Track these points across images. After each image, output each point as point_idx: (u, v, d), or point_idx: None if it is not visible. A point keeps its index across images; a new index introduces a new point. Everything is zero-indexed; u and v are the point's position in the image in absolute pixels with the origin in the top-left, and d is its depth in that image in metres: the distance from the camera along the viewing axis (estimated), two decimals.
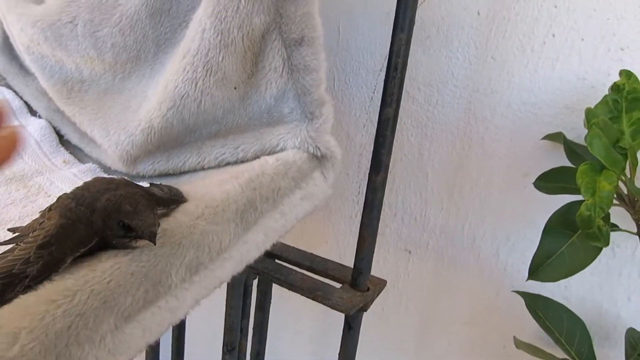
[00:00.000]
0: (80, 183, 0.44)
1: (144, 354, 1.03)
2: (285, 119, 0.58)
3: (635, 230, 0.61)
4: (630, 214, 0.61)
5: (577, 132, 0.68)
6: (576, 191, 0.56)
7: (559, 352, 0.68)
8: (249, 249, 0.49)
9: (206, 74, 0.55)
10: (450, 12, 0.75)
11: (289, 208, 0.54)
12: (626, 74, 0.59)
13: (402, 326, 0.95)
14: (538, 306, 0.70)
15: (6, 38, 0.77)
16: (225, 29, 0.52)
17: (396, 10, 0.57)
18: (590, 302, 0.74)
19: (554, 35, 0.68)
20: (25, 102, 0.78)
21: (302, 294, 0.69)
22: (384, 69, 0.60)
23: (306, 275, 0.71)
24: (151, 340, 0.40)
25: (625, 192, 0.60)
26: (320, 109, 0.56)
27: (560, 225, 0.61)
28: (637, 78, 0.59)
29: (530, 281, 0.63)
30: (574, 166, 0.60)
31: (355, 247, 0.68)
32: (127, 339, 0.38)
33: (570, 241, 0.60)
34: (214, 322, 0.90)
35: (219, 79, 0.55)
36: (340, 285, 0.70)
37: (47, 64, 0.70)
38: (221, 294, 0.77)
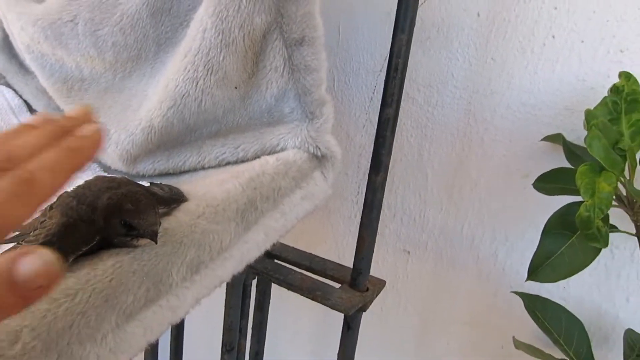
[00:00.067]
0: (80, 182, 0.44)
1: (142, 354, 1.03)
2: (286, 118, 0.58)
3: (634, 231, 0.62)
4: (629, 215, 0.61)
5: (577, 134, 0.69)
6: (575, 192, 0.56)
7: (557, 353, 0.68)
8: (250, 248, 0.49)
9: (207, 73, 0.55)
10: (451, 13, 0.75)
11: (290, 208, 0.54)
12: (625, 76, 0.60)
13: (401, 326, 0.95)
14: (537, 307, 0.70)
15: (6, 37, 0.77)
16: (227, 29, 0.53)
17: (397, 10, 0.57)
18: (588, 302, 0.75)
19: (553, 37, 0.68)
20: (25, 101, 0.78)
21: (301, 294, 0.69)
22: (384, 70, 0.61)
23: (305, 275, 0.71)
24: (152, 339, 0.40)
25: (625, 193, 0.60)
26: (321, 108, 0.56)
27: (560, 226, 0.61)
28: (636, 80, 0.59)
29: (529, 282, 0.63)
30: (573, 167, 0.60)
31: (355, 247, 0.68)
32: (129, 337, 0.38)
33: (569, 242, 0.60)
34: (213, 321, 0.90)
35: (220, 79, 0.55)
36: (340, 285, 0.70)
37: (47, 62, 0.70)
38: (220, 294, 0.78)
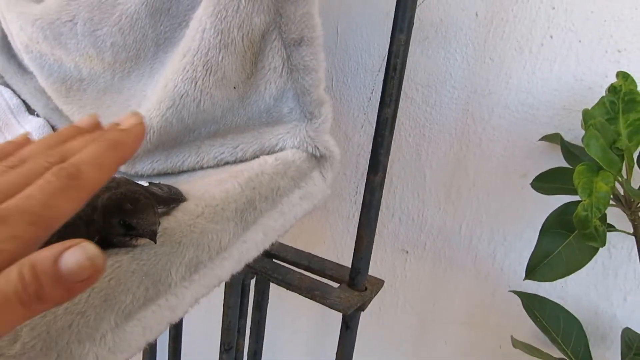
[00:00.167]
0: None
1: (141, 354, 1.03)
2: (285, 118, 0.58)
3: (631, 230, 0.62)
4: (627, 214, 0.61)
5: (575, 133, 0.69)
6: (573, 192, 0.56)
7: (555, 352, 0.68)
8: (248, 248, 0.49)
9: (206, 74, 0.55)
10: (449, 13, 0.75)
11: (288, 207, 0.54)
12: (623, 76, 0.60)
13: (400, 326, 0.95)
14: (535, 306, 0.70)
15: (4, 37, 0.77)
16: (225, 29, 0.53)
17: (395, 10, 0.58)
18: (586, 302, 0.75)
19: (551, 37, 0.68)
20: (24, 101, 0.78)
21: (299, 294, 0.69)
22: (383, 70, 0.61)
23: (304, 274, 0.71)
24: (151, 338, 0.40)
25: (622, 192, 0.61)
26: (320, 109, 0.57)
27: (557, 226, 0.61)
28: (633, 80, 0.60)
29: (527, 281, 0.64)
30: (571, 167, 0.60)
31: (353, 247, 0.68)
32: (128, 337, 0.38)
33: (567, 241, 0.61)
34: (212, 321, 0.90)
35: (219, 79, 0.55)
36: (338, 284, 0.71)
37: (45, 62, 0.70)
38: (219, 294, 0.78)
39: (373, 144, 0.63)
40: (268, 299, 0.83)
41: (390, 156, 0.64)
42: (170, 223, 0.43)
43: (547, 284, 0.75)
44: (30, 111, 0.78)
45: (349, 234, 0.95)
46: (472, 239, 0.82)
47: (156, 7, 0.61)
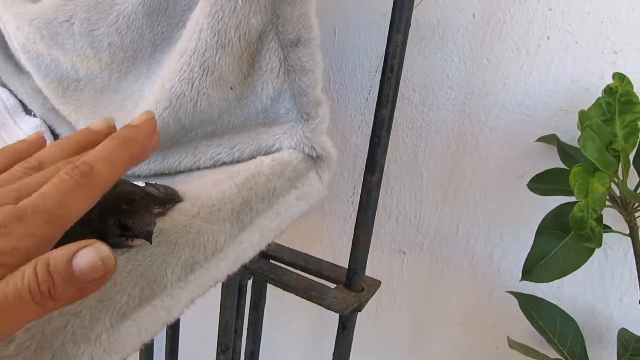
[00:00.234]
0: None
1: (137, 354, 1.03)
2: (281, 119, 0.58)
3: (627, 231, 0.62)
4: (623, 215, 0.61)
5: (571, 134, 0.69)
6: (570, 193, 0.56)
7: (552, 353, 0.68)
8: (245, 248, 0.49)
9: (203, 74, 0.55)
10: (446, 14, 0.75)
11: (285, 208, 0.54)
12: (619, 77, 0.60)
13: (397, 326, 0.95)
14: (531, 306, 0.70)
15: (1, 37, 0.77)
16: (222, 29, 0.53)
17: (392, 11, 0.58)
18: (582, 302, 0.75)
19: (548, 38, 0.69)
20: (20, 101, 0.78)
21: (296, 294, 0.69)
22: (380, 70, 0.61)
23: (301, 275, 0.71)
24: (146, 339, 0.40)
25: (618, 193, 0.61)
26: (316, 109, 0.57)
27: (554, 227, 0.62)
28: (630, 81, 0.60)
29: (523, 282, 0.64)
30: (567, 168, 0.61)
31: (350, 248, 0.68)
32: (123, 337, 0.38)
33: (563, 242, 0.61)
34: (208, 322, 0.90)
35: (216, 79, 0.55)
36: (335, 285, 0.71)
37: (42, 62, 0.70)
38: (215, 294, 0.78)
39: (370, 144, 0.63)
40: (265, 299, 0.83)
41: (387, 157, 0.64)
42: (166, 223, 0.43)
43: (543, 284, 0.76)
44: (27, 111, 0.78)
45: (346, 234, 0.95)
46: (469, 240, 0.82)
47: (153, 8, 0.61)
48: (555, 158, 0.65)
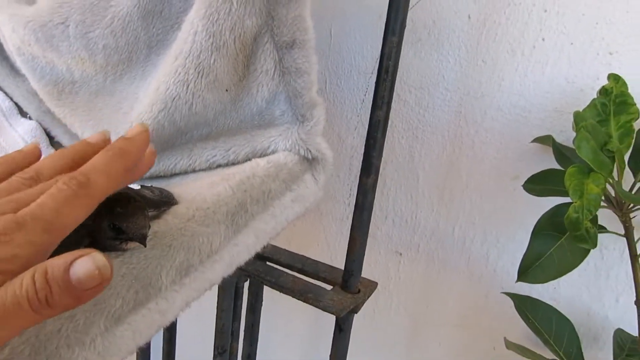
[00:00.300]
0: None
1: (134, 357, 1.03)
2: (277, 121, 0.58)
3: (623, 232, 0.62)
4: (618, 216, 0.61)
5: (567, 135, 0.69)
6: (565, 193, 0.56)
7: (548, 353, 0.69)
8: (240, 251, 0.49)
9: (198, 76, 0.55)
10: (442, 16, 0.75)
11: (280, 210, 0.54)
12: (614, 78, 0.60)
13: (393, 328, 0.95)
14: (527, 307, 0.70)
15: None
16: (217, 31, 0.52)
17: (387, 13, 0.58)
18: (578, 303, 0.75)
19: (543, 39, 0.69)
20: (16, 103, 0.78)
21: (292, 296, 0.69)
22: (376, 72, 0.61)
23: (297, 277, 0.71)
24: (141, 342, 0.40)
25: (613, 194, 0.61)
26: (312, 111, 0.56)
27: (549, 227, 0.62)
28: (624, 82, 0.60)
29: (520, 283, 0.64)
30: (562, 169, 0.61)
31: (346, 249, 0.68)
32: (117, 341, 0.38)
33: (558, 243, 0.61)
34: (205, 324, 0.90)
35: (211, 81, 0.55)
36: (332, 287, 0.71)
37: (38, 65, 0.70)
38: (212, 297, 0.78)
39: (365, 146, 0.63)
40: (262, 301, 0.82)
41: (383, 158, 0.64)
42: (161, 226, 0.43)
43: (539, 285, 0.76)
44: (23, 114, 0.78)
45: (343, 236, 0.95)
46: (465, 241, 0.82)
47: (148, 10, 0.61)
48: (550, 159, 0.66)
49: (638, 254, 0.62)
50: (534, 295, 0.73)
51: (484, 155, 0.77)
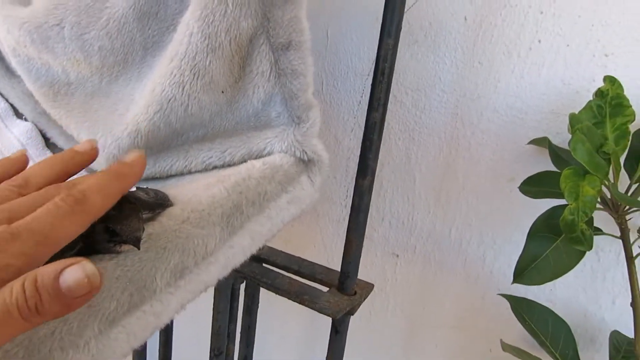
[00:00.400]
0: None
1: (130, 359, 1.03)
2: (273, 122, 0.58)
3: (618, 234, 0.62)
4: (614, 218, 0.61)
5: (563, 137, 0.69)
6: (561, 195, 0.56)
7: (544, 355, 0.69)
8: (235, 253, 0.49)
9: (193, 78, 0.54)
10: (438, 18, 0.75)
11: (276, 212, 0.54)
12: (610, 80, 0.60)
13: (390, 330, 0.95)
14: (523, 309, 0.70)
15: None
16: (213, 33, 0.52)
17: (383, 15, 0.58)
18: (575, 305, 0.75)
19: (539, 41, 0.69)
20: (12, 105, 0.78)
21: (288, 298, 0.69)
22: (372, 73, 0.61)
23: (293, 279, 0.71)
24: (136, 344, 0.40)
25: (609, 196, 0.61)
26: (308, 113, 0.56)
27: (545, 229, 0.62)
28: (620, 84, 0.60)
29: (516, 284, 0.64)
30: (558, 170, 0.61)
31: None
32: (112, 343, 0.38)
33: (554, 245, 0.61)
34: (201, 326, 0.90)
35: (206, 83, 0.55)
36: (328, 289, 0.70)
37: (33, 66, 0.70)
38: (208, 299, 0.77)
39: (361, 148, 0.63)
40: (258, 303, 0.82)
41: (379, 160, 0.64)
42: (156, 228, 0.43)
43: (536, 287, 0.76)
44: (18, 115, 0.77)
45: (340, 237, 0.95)
46: (461, 243, 0.82)
47: (144, 11, 0.61)
48: (546, 161, 0.66)
49: (634, 255, 0.62)
50: (531, 297, 0.73)
51: (480, 157, 0.77)
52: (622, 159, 0.60)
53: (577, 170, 0.56)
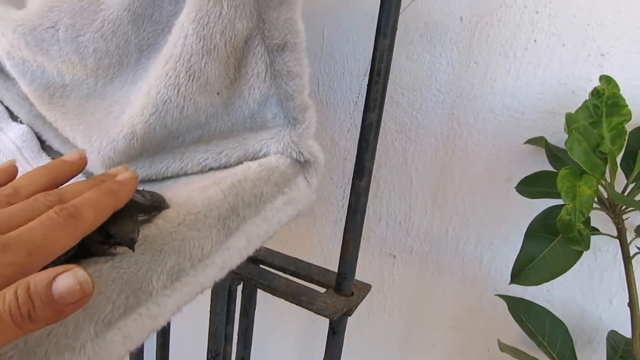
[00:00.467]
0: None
1: None
2: (269, 124, 0.58)
3: (615, 234, 0.62)
4: (611, 217, 0.61)
5: (559, 137, 0.69)
6: (557, 195, 0.56)
7: (542, 355, 0.68)
8: (231, 254, 0.49)
9: (189, 80, 0.54)
10: (434, 18, 0.75)
11: (272, 214, 0.53)
12: (606, 80, 0.60)
13: (387, 330, 0.95)
14: (520, 310, 0.70)
15: None
16: (208, 35, 0.52)
17: (379, 15, 0.58)
18: (572, 305, 0.75)
19: (535, 41, 0.69)
20: (7, 107, 0.77)
21: (286, 299, 0.69)
22: (368, 74, 0.61)
23: (290, 280, 0.71)
24: (132, 347, 0.40)
25: (606, 196, 0.61)
26: (304, 114, 0.56)
27: (542, 229, 0.62)
28: (616, 83, 0.60)
29: (513, 285, 0.64)
30: (555, 170, 0.61)
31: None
32: (108, 346, 0.37)
33: (551, 245, 0.61)
34: (199, 328, 0.90)
35: (202, 85, 0.55)
36: (325, 290, 0.70)
37: (28, 69, 0.69)
38: (205, 300, 0.77)
39: (358, 148, 0.63)
40: (255, 304, 0.82)
41: (376, 160, 0.64)
42: (152, 231, 0.43)
43: (533, 287, 0.76)
44: (14, 118, 0.77)
45: (337, 238, 0.95)
46: (458, 243, 0.82)
47: (139, 13, 0.61)
48: (543, 160, 0.66)
49: (631, 255, 0.62)
50: (528, 297, 0.73)
51: (477, 157, 0.77)
52: (618, 159, 0.60)
53: (574, 170, 0.56)
